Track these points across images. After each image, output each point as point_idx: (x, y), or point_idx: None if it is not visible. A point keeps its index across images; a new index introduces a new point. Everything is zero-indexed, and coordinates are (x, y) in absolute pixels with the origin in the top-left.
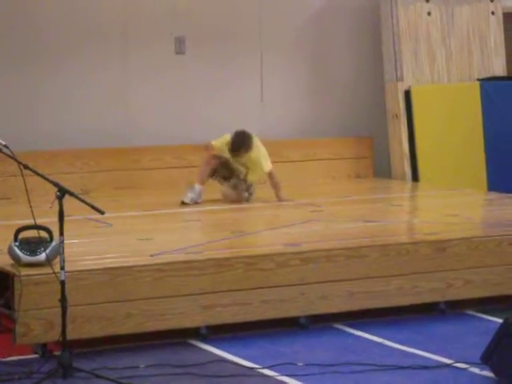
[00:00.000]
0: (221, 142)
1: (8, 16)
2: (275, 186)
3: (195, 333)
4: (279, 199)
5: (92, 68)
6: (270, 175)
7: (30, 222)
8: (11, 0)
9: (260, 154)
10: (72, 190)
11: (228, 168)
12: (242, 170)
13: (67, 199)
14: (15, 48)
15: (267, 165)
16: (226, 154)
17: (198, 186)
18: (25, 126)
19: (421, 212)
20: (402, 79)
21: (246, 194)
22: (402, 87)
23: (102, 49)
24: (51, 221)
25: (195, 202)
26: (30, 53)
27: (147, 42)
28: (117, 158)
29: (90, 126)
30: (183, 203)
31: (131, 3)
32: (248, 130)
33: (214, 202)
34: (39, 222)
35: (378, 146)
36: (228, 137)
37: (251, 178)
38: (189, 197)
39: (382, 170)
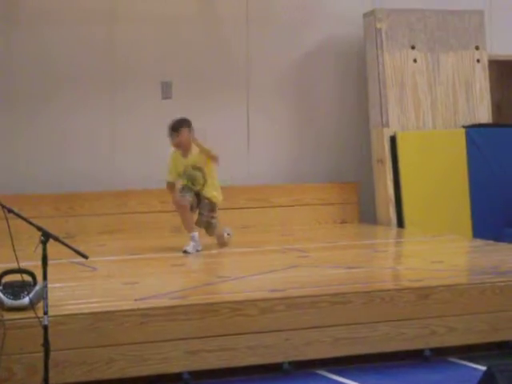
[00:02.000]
0: (169, 171)
1: None
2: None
3: (178, 378)
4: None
5: (77, 111)
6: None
7: (14, 265)
8: None
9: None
10: (56, 233)
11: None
12: (198, 174)
13: (52, 243)
14: None
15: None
16: (181, 177)
17: (194, 234)
18: (9, 170)
19: (405, 258)
20: (387, 125)
21: (225, 234)
22: (387, 133)
23: (88, 92)
24: (35, 264)
25: (197, 250)
26: (9, 96)
27: (134, 85)
28: (102, 202)
29: (75, 169)
30: (185, 252)
31: (119, 46)
32: (234, 175)
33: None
34: (23, 265)
35: (364, 191)
36: (170, 163)
37: (208, 176)
38: (191, 246)
39: (367, 215)
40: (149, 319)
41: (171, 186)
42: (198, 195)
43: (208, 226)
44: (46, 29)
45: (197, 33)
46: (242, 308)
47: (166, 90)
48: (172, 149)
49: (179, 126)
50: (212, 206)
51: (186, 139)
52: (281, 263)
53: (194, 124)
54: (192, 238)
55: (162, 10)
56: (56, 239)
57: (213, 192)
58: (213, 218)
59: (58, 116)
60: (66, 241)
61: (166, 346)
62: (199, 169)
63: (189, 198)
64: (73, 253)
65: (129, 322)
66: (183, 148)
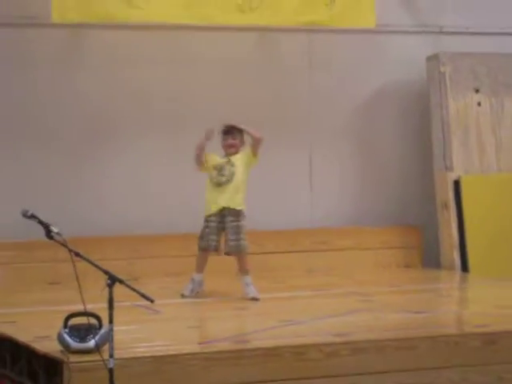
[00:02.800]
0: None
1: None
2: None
3: None
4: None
5: (136, 153)
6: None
7: (80, 307)
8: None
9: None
10: (120, 275)
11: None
12: (230, 168)
13: (117, 285)
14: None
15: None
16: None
17: (196, 276)
18: (68, 213)
19: (470, 303)
20: (451, 168)
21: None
22: (451, 177)
23: (146, 134)
24: (100, 307)
25: (196, 292)
26: (70, 137)
27: (194, 128)
28: (164, 245)
29: (137, 213)
30: (184, 296)
31: (179, 89)
32: (297, 218)
33: (262, 289)
34: (88, 307)
35: (427, 234)
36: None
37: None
38: (188, 288)
39: (430, 259)
40: (212, 363)
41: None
42: (223, 214)
43: (238, 251)
44: (105, 71)
45: (259, 76)
46: (305, 352)
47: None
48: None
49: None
50: (238, 227)
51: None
52: (344, 307)
53: (259, 165)
54: (191, 281)
55: (224, 53)
56: (122, 282)
57: (239, 199)
58: (241, 239)
59: (118, 158)
60: (131, 283)
61: None
62: (232, 165)
63: (214, 243)
64: (137, 295)
65: (192, 366)
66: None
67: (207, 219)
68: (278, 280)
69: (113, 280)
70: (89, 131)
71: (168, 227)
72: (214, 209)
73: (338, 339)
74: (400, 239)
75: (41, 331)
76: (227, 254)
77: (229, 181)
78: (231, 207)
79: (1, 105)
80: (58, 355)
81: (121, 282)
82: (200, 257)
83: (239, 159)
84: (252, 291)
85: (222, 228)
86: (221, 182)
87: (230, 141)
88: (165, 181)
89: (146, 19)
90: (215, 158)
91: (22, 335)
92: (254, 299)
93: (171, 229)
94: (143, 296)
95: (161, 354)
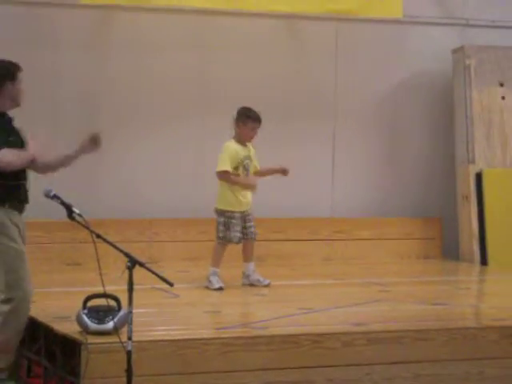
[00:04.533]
0: (225, 160)
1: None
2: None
3: None
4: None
5: (164, 137)
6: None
7: (99, 289)
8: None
9: None
10: (140, 259)
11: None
12: (252, 164)
13: (136, 268)
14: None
15: None
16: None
17: (217, 270)
18: (92, 196)
19: (488, 296)
20: (473, 161)
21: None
22: (473, 170)
23: (176, 119)
24: (119, 289)
25: (220, 287)
26: (99, 121)
27: (222, 113)
28: (186, 229)
29: (159, 197)
30: (221, 289)
31: (207, 74)
32: (318, 207)
33: (281, 276)
34: (107, 289)
35: (447, 226)
36: (228, 153)
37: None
38: (215, 280)
39: (450, 251)
40: (229, 348)
41: (228, 173)
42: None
43: (254, 237)
44: (131, 54)
45: (285, 63)
46: (323, 341)
47: None
48: (231, 141)
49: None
50: (252, 214)
51: None
52: (363, 297)
53: (282, 153)
54: (215, 273)
55: (250, 40)
56: (142, 265)
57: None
58: (254, 226)
59: (142, 143)
60: (150, 266)
61: (247, 375)
62: (252, 161)
63: (241, 235)
64: (155, 279)
65: (210, 351)
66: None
67: (230, 214)
68: (297, 268)
69: (133, 262)
70: (113, 115)
71: (189, 212)
72: (238, 208)
73: (355, 328)
74: (420, 230)
75: (60, 312)
76: (245, 241)
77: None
78: (250, 206)
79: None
80: (77, 336)
81: (141, 264)
82: (222, 250)
83: (254, 155)
84: (262, 278)
85: (243, 219)
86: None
87: (254, 133)
88: (187, 166)
89: (174, 3)
90: (236, 151)
91: (41, 315)
92: (268, 285)
93: (192, 213)
94: (163, 279)
95: (178, 337)
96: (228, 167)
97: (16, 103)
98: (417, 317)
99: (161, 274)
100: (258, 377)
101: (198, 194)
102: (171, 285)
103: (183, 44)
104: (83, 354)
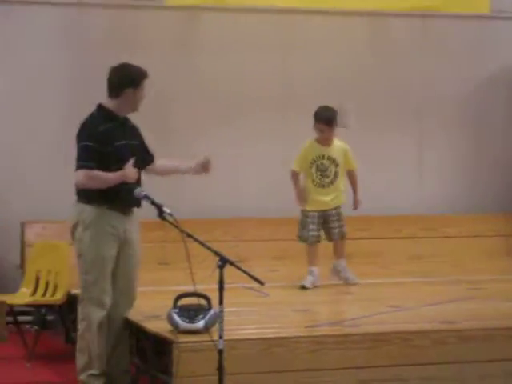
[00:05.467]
0: (297, 159)
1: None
2: (356, 184)
3: None
4: (357, 201)
5: (248, 137)
6: (354, 174)
7: (188, 288)
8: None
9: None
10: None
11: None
12: (331, 166)
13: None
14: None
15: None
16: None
17: (314, 269)
18: (177, 195)
19: None
20: None
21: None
22: None
23: (260, 118)
24: (208, 288)
25: (314, 286)
26: (185, 121)
27: (306, 112)
28: (272, 228)
29: (244, 196)
30: (304, 287)
31: (291, 73)
32: (405, 204)
33: (369, 274)
34: (196, 288)
35: None
36: (302, 148)
37: (341, 176)
38: (309, 280)
39: None
40: (320, 347)
41: (296, 174)
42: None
43: (342, 237)
44: (218, 54)
45: (370, 60)
46: (413, 339)
47: (343, 118)
48: (312, 140)
49: (334, 123)
50: (339, 214)
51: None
52: (451, 295)
53: (368, 151)
54: (311, 273)
55: (335, 38)
56: (232, 264)
57: (341, 189)
58: (343, 226)
59: (230, 141)
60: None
61: (337, 374)
62: (334, 162)
63: (318, 233)
64: (245, 277)
65: (300, 349)
66: (329, 140)
67: (306, 213)
68: (384, 265)
69: (224, 261)
70: (201, 113)
71: (276, 211)
72: (314, 207)
73: (445, 326)
74: (509, 227)
75: (151, 311)
76: (330, 240)
77: (332, 182)
78: (334, 206)
79: None
80: (168, 335)
81: (231, 263)
82: (311, 249)
83: (340, 155)
84: (352, 276)
85: (322, 218)
86: (324, 183)
87: (328, 134)
88: (274, 165)
89: (258, 2)
90: (308, 151)
91: (133, 314)
92: (356, 283)
93: (279, 213)
94: (254, 278)
95: (269, 336)
96: (296, 167)
97: (134, 109)
98: (507, 315)
99: (251, 273)
100: (349, 375)
101: (286, 192)
102: (262, 283)
103: (267, 42)
104: (175, 352)
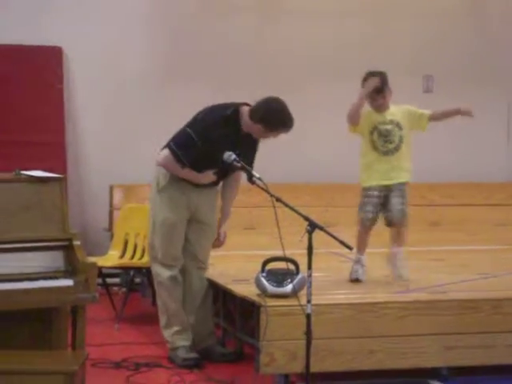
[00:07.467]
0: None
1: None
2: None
3: (435, 373)
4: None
5: (329, 102)
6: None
7: (274, 253)
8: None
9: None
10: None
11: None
12: (395, 129)
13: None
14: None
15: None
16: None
17: (362, 258)
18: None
19: None
20: None
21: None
22: None
23: (338, 85)
24: (294, 253)
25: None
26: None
27: (395, 78)
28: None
29: (335, 162)
30: (357, 280)
31: (378, 41)
32: (493, 171)
33: (456, 241)
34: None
35: None
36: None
37: (407, 140)
38: (361, 271)
39: None
40: (408, 312)
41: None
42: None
43: (403, 216)
44: (298, 24)
45: (464, 28)
46: (501, 306)
47: (428, 84)
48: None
49: (384, 88)
50: (403, 191)
51: (389, 100)
52: None
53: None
54: (359, 261)
55: (431, 5)
56: (322, 229)
57: (406, 165)
58: (406, 204)
59: (316, 106)
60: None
61: (424, 339)
62: (397, 125)
63: (373, 215)
64: (333, 243)
65: (388, 315)
66: (384, 106)
67: (364, 190)
68: (472, 233)
69: (313, 226)
70: (263, 81)
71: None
72: (374, 182)
73: None
74: None
75: (238, 274)
76: (390, 224)
77: (397, 149)
78: (399, 182)
79: (194, 53)
80: (256, 299)
81: (321, 228)
82: (363, 232)
83: (403, 117)
84: (407, 273)
85: (383, 198)
86: (388, 150)
87: (381, 101)
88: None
89: None
90: (371, 114)
91: (220, 278)
92: (405, 280)
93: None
94: (342, 243)
95: (358, 301)
96: (352, 130)
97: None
98: None
99: (340, 238)
100: (436, 341)
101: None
102: (350, 248)
103: (353, 11)
104: (262, 316)
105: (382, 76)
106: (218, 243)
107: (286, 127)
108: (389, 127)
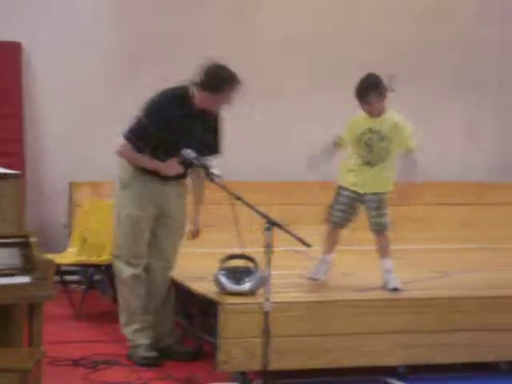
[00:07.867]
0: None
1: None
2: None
3: (393, 371)
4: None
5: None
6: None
7: (234, 251)
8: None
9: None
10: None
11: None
12: (384, 146)
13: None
14: None
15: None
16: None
17: (327, 257)
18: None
19: None
20: None
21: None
22: None
23: (332, 81)
24: (253, 250)
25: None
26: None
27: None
28: (316, 192)
29: (294, 159)
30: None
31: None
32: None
33: (417, 240)
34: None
35: None
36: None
37: (393, 154)
38: (322, 270)
39: None
40: (363, 311)
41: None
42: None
43: (380, 227)
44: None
45: (434, 29)
46: (458, 304)
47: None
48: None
49: (365, 94)
50: (380, 202)
51: (380, 106)
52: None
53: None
54: (323, 261)
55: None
56: (280, 227)
57: (387, 175)
58: (382, 215)
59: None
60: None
61: (379, 338)
62: (388, 140)
63: (342, 215)
64: (292, 241)
65: (344, 313)
66: (373, 113)
67: (340, 192)
68: (430, 231)
69: (271, 224)
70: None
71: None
72: (352, 187)
73: (491, 293)
74: None
75: (197, 272)
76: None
77: (380, 160)
78: (377, 192)
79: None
80: (214, 296)
81: (279, 226)
82: (330, 233)
83: (391, 131)
84: (395, 282)
85: (357, 201)
86: (369, 161)
87: (366, 108)
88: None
89: None
90: (358, 121)
91: (179, 275)
92: (396, 289)
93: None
94: (300, 240)
95: (314, 299)
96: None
97: (211, 109)
98: None
99: (298, 235)
100: (392, 339)
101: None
102: (308, 246)
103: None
104: (221, 314)
105: (364, 83)
106: (194, 234)
107: (230, 84)
108: (374, 138)
